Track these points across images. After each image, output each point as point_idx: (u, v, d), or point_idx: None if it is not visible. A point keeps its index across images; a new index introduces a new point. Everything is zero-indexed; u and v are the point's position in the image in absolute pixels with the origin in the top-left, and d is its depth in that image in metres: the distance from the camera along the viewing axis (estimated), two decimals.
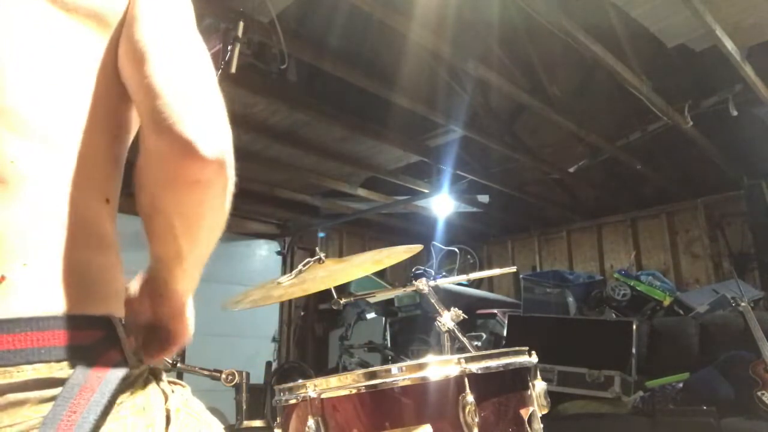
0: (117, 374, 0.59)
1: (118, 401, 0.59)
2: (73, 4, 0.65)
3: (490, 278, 6.74)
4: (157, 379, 0.68)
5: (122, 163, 0.71)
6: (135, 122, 0.74)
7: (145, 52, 0.64)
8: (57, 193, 0.61)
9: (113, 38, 0.68)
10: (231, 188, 0.64)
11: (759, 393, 2.96)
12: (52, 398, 0.54)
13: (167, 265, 0.71)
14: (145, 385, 0.64)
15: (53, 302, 0.57)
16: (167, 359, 1.86)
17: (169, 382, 0.71)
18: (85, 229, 0.63)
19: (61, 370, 0.55)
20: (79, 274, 0.61)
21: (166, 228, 0.66)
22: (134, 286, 0.78)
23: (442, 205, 5.68)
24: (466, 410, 0.99)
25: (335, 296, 1.77)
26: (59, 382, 0.55)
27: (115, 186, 0.70)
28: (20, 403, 0.53)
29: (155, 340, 0.77)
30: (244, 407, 1.99)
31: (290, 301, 5.81)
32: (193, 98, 0.62)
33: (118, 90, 0.68)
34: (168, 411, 0.66)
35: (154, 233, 0.68)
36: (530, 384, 1.17)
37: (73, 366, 0.56)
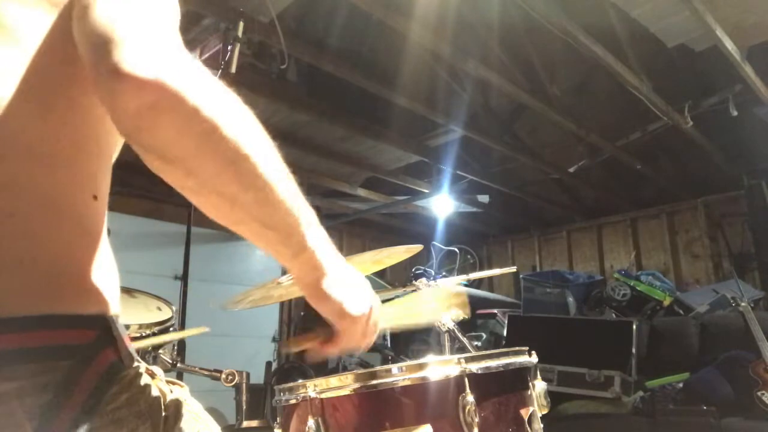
0: (112, 374, 0.59)
1: (113, 401, 0.58)
2: None
3: (490, 278, 6.74)
4: (155, 378, 0.68)
5: (109, 159, 0.69)
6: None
7: (88, 5, 0.57)
8: (45, 190, 0.60)
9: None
10: (214, 111, 0.53)
11: (759, 393, 2.96)
12: (46, 398, 0.54)
13: (251, 238, 0.61)
14: (142, 384, 0.63)
15: (46, 302, 0.57)
16: (168, 359, 1.86)
17: (167, 382, 0.71)
18: (75, 227, 0.62)
19: (54, 370, 0.55)
20: (71, 272, 0.60)
21: (188, 192, 0.57)
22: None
23: (442, 205, 5.68)
24: (466, 410, 0.99)
25: None
26: (53, 383, 0.54)
27: (103, 182, 0.67)
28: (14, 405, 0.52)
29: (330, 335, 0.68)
30: (244, 407, 1.99)
31: (290, 301, 5.81)
32: (118, 23, 0.53)
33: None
34: (167, 410, 0.66)
35: (199, 208, 0.59)
36: (530, 384, 1.17)
37: (66, 366, 0.56)
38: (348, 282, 0.69)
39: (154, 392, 0.65)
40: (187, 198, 0.58)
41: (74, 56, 0.59)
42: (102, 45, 0.52)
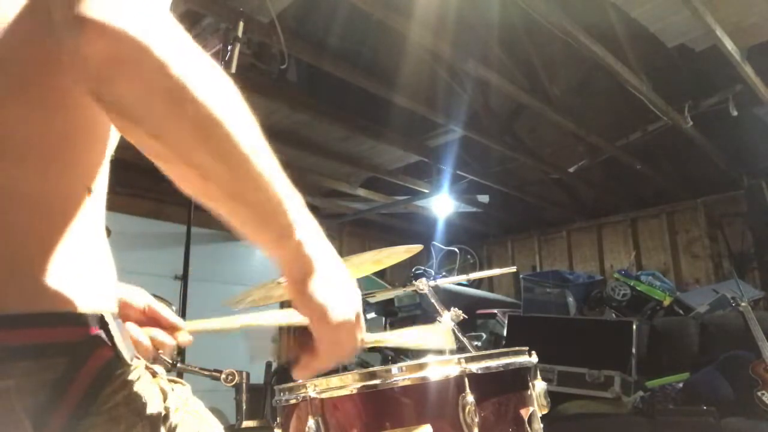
0: (108, 372, 0.58)
1: (110, 399, 0.58)
2: None
3: (490, 278, 6.74)
4: (156, 376, 0.67)
5: (103, 149, 0.66)
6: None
7: None
8: (34, 187, 0.58)
9: None
10: (184, 69, 0.49)
11: (759, 393, 2.96)
12: (42, 397, 0.53)
13: (231, 221, 0.57)
14: (141, 382, 0.63)
15: (42, 299, 0.56)
16: (168, 359, 1.86)
17: (169, 381, 0.71)
18: (70, 222, 0.61)
19: (50, 368, 0.54)
20: (68, 269, 0.59)
21: (159, 160, 0.53)
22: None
23: (442, 205, 5.68)
24: (466, 410, 0.99)
25: None
26: (49, 381, 0.54)
27: (98, 176, 0.65)
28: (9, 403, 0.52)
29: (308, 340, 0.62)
30: (244, 407, 1.99)
31: (290, 301, 5.80)
32: None
33: None
34: (167, 409, 0.66)
35: (175, 181, 0.55)
36: (530, 384, 1.17)
37: (62, 363, 0.55)
38: (336, 282, 0.64)
39: (154, 390, 0.65)
40: (161, 168, 0.54)
41: (41, 32, 0.55)
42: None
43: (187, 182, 0.55)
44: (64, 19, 0.47)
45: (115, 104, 0.49)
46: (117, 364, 0.60)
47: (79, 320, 0.58)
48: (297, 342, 0.61)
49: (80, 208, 0.62)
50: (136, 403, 0.61)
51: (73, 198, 0.62)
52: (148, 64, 0.48)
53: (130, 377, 0.62)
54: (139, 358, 0.66)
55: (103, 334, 0.60)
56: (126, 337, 0.65)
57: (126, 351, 0.62)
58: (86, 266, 0.62)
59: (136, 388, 0.62)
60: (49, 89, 0.58)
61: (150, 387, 0.64)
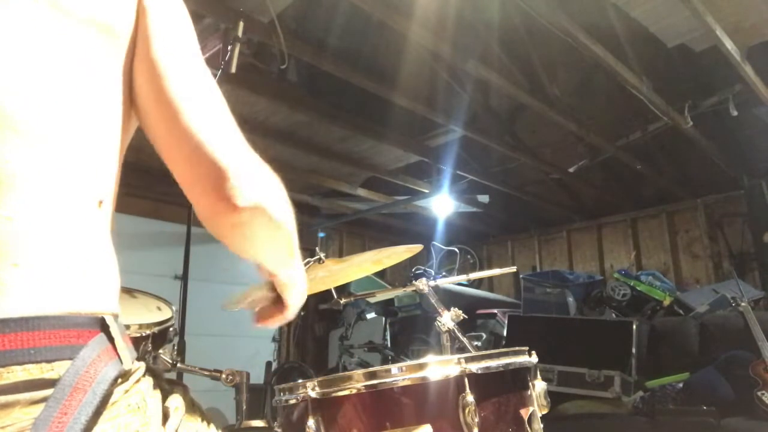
0: (110, 373, 0.59)
1: (111, 401, 0.58)
2: (79, 12, 0.65)
3: (490, 278, 6.74)
4: (156, 377, 0.68)
5: (119, 166, 0.71)
6: (133, 126, 0.75)
7: (175, 99, 0.69)
8: (51, 194, 0.60)
9: (125, 49, 0.70)
10: (279, 214, 0.74)
11: (759, 393, 2.96)
12: (43, 400, 0.54)
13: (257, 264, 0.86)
14: (141, 383, 0.64)
15: (44, 302, 0.57)
16: (168, 359, 1.86)
17: (169, 382, 0.71)
18: (78, 230, 0.63)
19: (52, 371, 0.55)
20: (71, 274, 0.60)
21: (232, 247, 0.77)
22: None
23: (442, 205, 5.68)
24: (466, 410, 0.99)
25: (335, 296, 1.77)
26: (50, 384, 0.55)
27: (111, 188, 0.69)
28: (10, 405, 0.53)
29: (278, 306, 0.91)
30: (244, 407, 1.98)
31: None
32: (231, 156, 0.69)
33: (123, 98, 0.70)
34: (166, 410, 0.66)
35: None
36: (530, 384, 1.17)
37: (64, 367, 0.56)
38: (301, 280, 0.91)
39: (154, 391, 0.65)
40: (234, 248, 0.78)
41: (122, 81, 0.70)
42: (215, 177, 0.68)
43: (245, 251, 0.80)
44: (218, 198, 0.68)
45: (238, 237, 0.75)
46: (118, 366, 0.61)
47: (82, 323, 0.59)
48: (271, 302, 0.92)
49: (95, 216, 0.65)
50: (136, 404, 0.61)
51: (91, 207, 0.65)
52: (262, 221, 0.73)
53: (131, 379, 0.62)
54: (139, 360, 0.67)
55: (104, 337, 0.61)
56: (126, 340, 0.66)
57: (126, 353, 0.63)
58: (91, 269, 0.63)
59: (137, 389, 0.62)
60: (123, 125, 0.71)
61: (150, 388, 0.65)
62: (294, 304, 0.92)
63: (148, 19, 0.71)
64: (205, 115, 0.70)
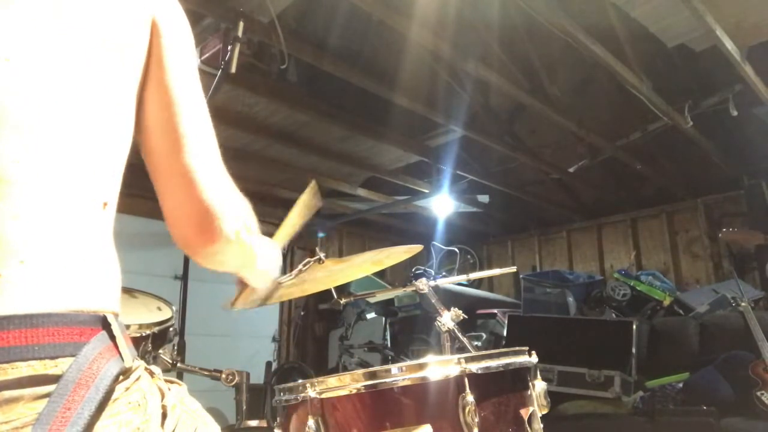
0: (112, 371, 0.60)
1: (113, 397, 0.60)
2: (100, 37, 0.69)
3: (490, 278, 6.74)
4: (154, 376, 0.69)
5: (121, 169, 0.73)
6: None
7: (183, 135, 0.75)
8: (58, 195, 0.62)
9: (136, 61, 0.74)
10: (247, 239, 0.84)
11: (759, 393, 2.96)
12: (47, 395, 0.55)
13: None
14: (140, 382, 0.65)
15: (49, 300, 0.58)
16: (168, 359, 1.87)
17: (166, 380, 0.72)
18: (83, 230, 0.64)
19: (55, 367, 0.56)
20: (75, 272, 0.62)
21: (204, 265, 0.85)
22: None
23: (442, 205, 5.68)
24: (466, 410, 0.99)
25: (335, 296, 1.77)
26: (54, 379, 0.56)
27: (113, 191, 0.71)
28: (14, 400, 0.53)
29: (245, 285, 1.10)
30: (244, 407, 1.99)
31: (290, 301, 5.81)
32: (219, 198, 0.77)
33: (128, 112, 0.73)
34: (165, 407, 0.67)
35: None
36: (530, 384, 1.17)
37: (67, 363, 0.57)
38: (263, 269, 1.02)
39: (153, 390, 0.67)
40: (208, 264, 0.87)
41: (129, 98, 0.74)
42: (208, 218, 0.77)
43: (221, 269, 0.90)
44: (203, 232, 0.78)
45: (215, 264, 0.86)
46: (119, 364, 0.62)
47: (84, 321, 0.60)
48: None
49: (99, 216, 0.67)
50: (136, 402, 0.62)
51: (95, 208, 0.67)
52: (244, 254, 0.88)
53: (131, 377, 0.63)
54: (138, 359, 0.68)
55: (106, 334, 0.62)
56: (127, 338, 0.67)
57: (127, 351, 0.64)
58: (92, 269, 0.64)
59: (136, 388, 0.63)
60: (125, 135, 0.74)
61: (149, 387, 0.66)
62: (257, 285, 1.09)
63: (162, 40, 0.76)
64: (204, 155, 0.77)
